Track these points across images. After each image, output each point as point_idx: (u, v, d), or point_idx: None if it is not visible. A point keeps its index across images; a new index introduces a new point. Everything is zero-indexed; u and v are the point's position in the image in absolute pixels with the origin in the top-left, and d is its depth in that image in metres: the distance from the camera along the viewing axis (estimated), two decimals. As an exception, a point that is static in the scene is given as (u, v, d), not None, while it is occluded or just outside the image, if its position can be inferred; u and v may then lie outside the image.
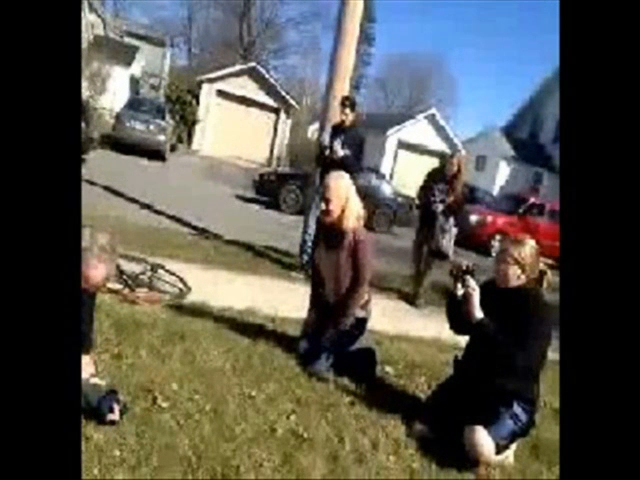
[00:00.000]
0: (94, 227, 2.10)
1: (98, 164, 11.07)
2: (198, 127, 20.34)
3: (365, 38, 34.74)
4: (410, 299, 5.50)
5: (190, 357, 2.76)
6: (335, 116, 5.37)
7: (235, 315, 3.66)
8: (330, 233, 3.09)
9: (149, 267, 4.16)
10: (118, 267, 3.97)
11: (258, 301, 4.01)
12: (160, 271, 4.20)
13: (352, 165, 4.90)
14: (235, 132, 20.12)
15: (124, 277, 3.84)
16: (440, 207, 5.19)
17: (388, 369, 3.27)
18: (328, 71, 5.92)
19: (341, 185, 3.06)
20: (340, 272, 3.03)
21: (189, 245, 5.81)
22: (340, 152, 5.05)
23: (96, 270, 2.02)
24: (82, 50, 18.69)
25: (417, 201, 5.79)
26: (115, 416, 2.03)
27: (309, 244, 5.50)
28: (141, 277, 3.98)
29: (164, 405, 2.24)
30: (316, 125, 18.48)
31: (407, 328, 4.37)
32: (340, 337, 3.02)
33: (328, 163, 5.13)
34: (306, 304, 3.30)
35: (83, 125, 11.84)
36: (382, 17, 64.23)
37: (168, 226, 6.77)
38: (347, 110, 5.09)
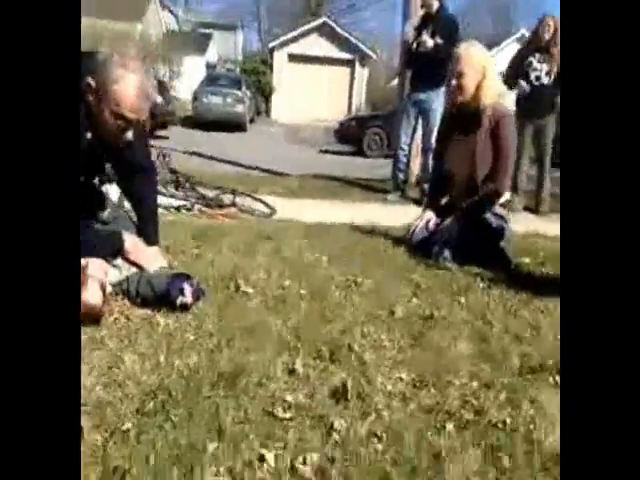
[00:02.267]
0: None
1: (178, 138, 11.07)
2: (275, 96, 20.05)
3: None
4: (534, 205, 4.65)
5: (278, 252, 2.28)
6: (418, 9, 4.62)
7: (327, 226, 3.12)
8: (462, 115, 2.48)
9: (230, 191, 3.77)
10: (198, 192, 3.65)
11: (352, 219, 3.44)
12: (244, 197, 3.80)
13: (447, 56, 4.10)
14: (311, 94, 19.51)
15: (206, 200, 3.48)
16: (548, 79, 4.22)
17: (526, 260, 2.58)
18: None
19: (475, 54, 2.44)
20: (476, 159, 2.41)
21: (272, 182, 5.38)
22: (430, 42, 4.27)
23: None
24: (157, 42, 19.19)
25: (505, 82, 4.63)
26: (187, 299, 1.59)
27: (403, 161, 4.84)
28: (222, 198, 3.58)
29: (250, 291, 1.77)
30: (396, 81, 17.37)
31: (538, 228, 3.59)
32: (473, 230, 2.39)
33: (417, 61, 4.41)
34: (406, 222, 2.75)
35: (161, 101, 11.97)
36: None
37: (250, 172, 6.43)
38: None
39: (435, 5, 4.40)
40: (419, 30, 4.42)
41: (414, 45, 4.40)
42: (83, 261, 1.61)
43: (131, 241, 1.78)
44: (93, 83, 1.47)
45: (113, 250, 1.72)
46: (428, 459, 0.96)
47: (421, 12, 4.58)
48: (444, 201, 2.64)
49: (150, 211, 1.97)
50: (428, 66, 4.31)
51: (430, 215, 2.64)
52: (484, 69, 2.41)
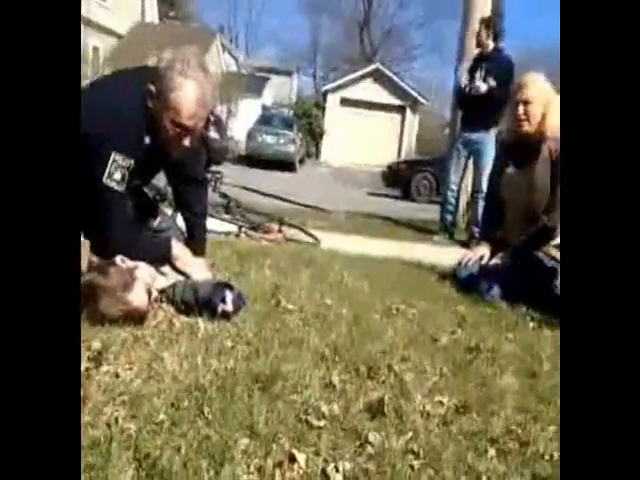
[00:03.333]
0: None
1: (231, 174, 11.36)
2: (325, 139, 20.49)
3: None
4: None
5: (321, 275, 2.27)
6: (472, 51, 4.65)
7: (371, 258, 3.10)
8: (521, 146, 2.44)
9: (278, 220, 3.82)
10: (246, 217, 3.73)
11: (397, 256, 3.40)
12: (290, 228, 3.84)
13: (501, 97, 4.09)
14: (362, 138, 19.87)
15: (253, 225, 3.55)
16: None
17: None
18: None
19: (541, 84, 2.42)
20: (534, 194, 2.35)
21: (319, 217, 5.42)
22: (483, 86, 4.28)
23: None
24: (217, 84, 20.22)
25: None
26: (228, 307, 1.60)
27: (452, 202, 4.79)
28: (269, 225, 3.64)
29: (290, 307, 1.76)
30: (447, 131, 17.43)
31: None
32: (524, 267, 2.32)
33: (469, 102, 4.42)
34: (452, 263, 2.69)
35: (217, 136, 12.50)
36: None
37: (297, 208, 6.52)
38: (489, 35, 4.32)
39: (491, 45, 4.42)
40: (472, 72, 4.44)
41: (466, 89, 4.41)
42: (132, 264, 1.66)
43: (179, 250, 1.82)
44: (154, 89, 1.55)
45: (161, 256, 1.77)
46: (468, 481, 0.90)
47: (475, 54, 4.61)
48: (497, 236, 2.57)
49: (199, 223, 2.03)
50: (480, 107, 4.30)
51: (484, 250, 2.56)
52: (547, 101, 2.35)
